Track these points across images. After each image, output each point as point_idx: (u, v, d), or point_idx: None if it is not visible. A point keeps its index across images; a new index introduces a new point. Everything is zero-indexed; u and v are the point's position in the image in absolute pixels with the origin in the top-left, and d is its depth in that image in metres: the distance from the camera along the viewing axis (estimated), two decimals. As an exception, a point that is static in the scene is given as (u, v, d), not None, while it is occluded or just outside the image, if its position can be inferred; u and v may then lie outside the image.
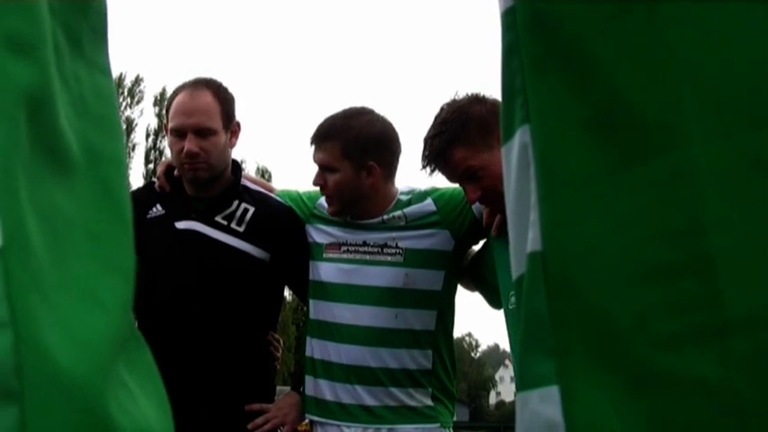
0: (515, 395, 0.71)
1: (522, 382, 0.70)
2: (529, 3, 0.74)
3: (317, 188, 2.18)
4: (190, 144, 2.05)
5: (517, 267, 0.73)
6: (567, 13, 0.71)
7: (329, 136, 2.06)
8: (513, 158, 0.74)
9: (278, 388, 2.34)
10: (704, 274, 0.64)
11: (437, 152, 1.91)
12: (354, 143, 2.04)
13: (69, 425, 0.53)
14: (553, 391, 0.66)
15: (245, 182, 2.25)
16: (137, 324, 2.20)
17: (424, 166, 1.96)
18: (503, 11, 0.76)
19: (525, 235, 0.71)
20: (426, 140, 1.95)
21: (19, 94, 0.56)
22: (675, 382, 0.64)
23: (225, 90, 2.15)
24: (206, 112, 2.07)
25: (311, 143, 2.10)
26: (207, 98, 2.08)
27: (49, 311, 0.54)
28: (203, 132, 2.07)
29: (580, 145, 0.69)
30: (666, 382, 0.64)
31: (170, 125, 2.11)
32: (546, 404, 0.67)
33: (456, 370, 2.22)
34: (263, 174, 27.78)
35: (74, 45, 0.65)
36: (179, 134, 2.08)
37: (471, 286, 2.27)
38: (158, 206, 2.20)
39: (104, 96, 0.69)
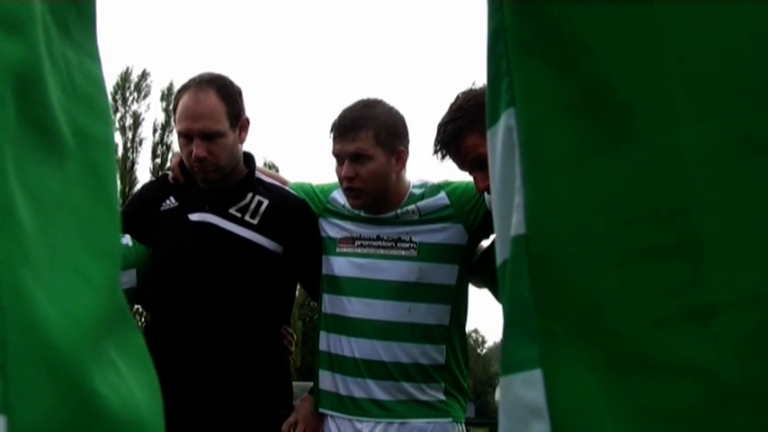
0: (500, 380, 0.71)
1: (506, 367, 0.69)
2: None
3: (329, 182, 2.17)
4: (198, 149, 2.04)
5: (501, 252, 0.73)
6: None
7: (362, 125, 2.04)
8: (498, 142, 0.73)
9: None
10: (691, 255, 0.62)
11: (450, 138, 1.92)
12: (386, 130, 2.06)
13: (53, 397, 0.53)
14: (536, 375, 0.66)
15: (259, 174, 2.24)
16: (151, 316, 2.22)
17: (435, 152, 1.97)
18: None
19: (510, 220, 0.70)
20: (440, 126, 1.96)
21: (7, 72, 0.56)
22: (663, 364, 0.63)
23: (231, 86, 2.12)
24: (212, 116, 2.04)
25: (338, 135, 2.06)
26: (212, 100, 2.05)
27: (38, 285, 0.55)
28: (210, 136, 2.05)
29: (565, 127, 0.68)
30: (654, 364, 0.63)
31: (177, 128, 2.10)
32: (529, 388, 0.66)
33: (469, 365, 2.20)
34: (270, 168, 27.62)
35: (61, 27, 0.65)
36: (186, 137, 2.07)
37: (480, 283, 2.24)
38: (172, 198, 2.20)
39: (93, 79, 0.68)
